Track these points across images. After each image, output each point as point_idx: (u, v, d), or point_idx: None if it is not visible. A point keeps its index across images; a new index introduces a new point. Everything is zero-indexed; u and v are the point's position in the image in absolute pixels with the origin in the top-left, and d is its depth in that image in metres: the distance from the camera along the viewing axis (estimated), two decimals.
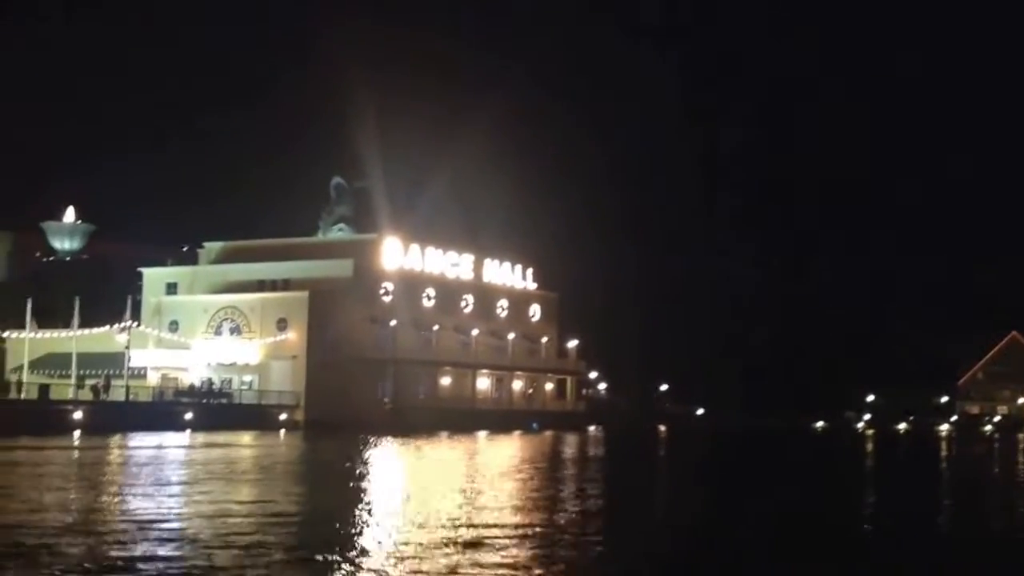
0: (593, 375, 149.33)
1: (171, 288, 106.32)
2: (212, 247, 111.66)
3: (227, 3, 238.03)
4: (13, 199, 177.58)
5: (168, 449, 56.59)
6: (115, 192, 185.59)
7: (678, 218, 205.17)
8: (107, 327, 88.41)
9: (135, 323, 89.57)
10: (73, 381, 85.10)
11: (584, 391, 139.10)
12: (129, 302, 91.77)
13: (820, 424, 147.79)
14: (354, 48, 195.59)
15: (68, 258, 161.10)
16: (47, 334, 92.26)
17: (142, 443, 61.16)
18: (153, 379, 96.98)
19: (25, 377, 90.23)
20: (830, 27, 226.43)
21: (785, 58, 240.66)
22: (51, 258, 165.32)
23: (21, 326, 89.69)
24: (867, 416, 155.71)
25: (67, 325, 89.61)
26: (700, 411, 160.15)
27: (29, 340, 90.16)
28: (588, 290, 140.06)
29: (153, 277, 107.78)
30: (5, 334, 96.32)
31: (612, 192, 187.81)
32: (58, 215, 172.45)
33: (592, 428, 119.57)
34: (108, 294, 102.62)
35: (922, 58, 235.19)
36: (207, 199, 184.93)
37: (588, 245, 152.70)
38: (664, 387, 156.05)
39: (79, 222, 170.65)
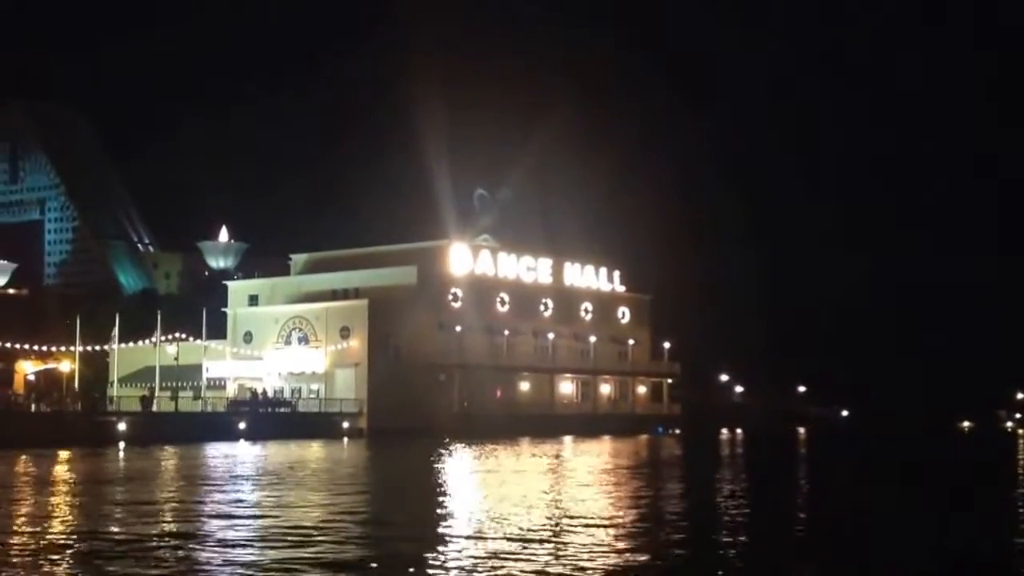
0: (724, 377, 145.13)
1: (253, 300, 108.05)
2: (298, 259, 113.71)
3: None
4: (184, 224, 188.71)
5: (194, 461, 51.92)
6: (267, 212, 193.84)
7: (790, 216, 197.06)
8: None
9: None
10: (157, 393, 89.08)
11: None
12: (204, 315, 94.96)
13: (966, 424, 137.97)
14: (428, 57, 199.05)
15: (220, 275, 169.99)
16: (132, 346, 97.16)
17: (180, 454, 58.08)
18: (231, 390, 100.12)
19: (116, 390, 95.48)
20: None
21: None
22: (207, 275, 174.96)
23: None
24: (1017, 415, 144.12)
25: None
26: (844, 412, 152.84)
27: (129, 353, 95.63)
28: (702, 292, 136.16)
29: (237, 290, 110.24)
30: (106, 347, 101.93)
31: (714, 193, 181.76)
32: (215, 236, 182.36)
33: (725, 432, 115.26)
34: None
35: None
36: (326, 213, 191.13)
37: (687, 248, 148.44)
38: (802, 388, 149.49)
39: (232, 241, 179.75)
